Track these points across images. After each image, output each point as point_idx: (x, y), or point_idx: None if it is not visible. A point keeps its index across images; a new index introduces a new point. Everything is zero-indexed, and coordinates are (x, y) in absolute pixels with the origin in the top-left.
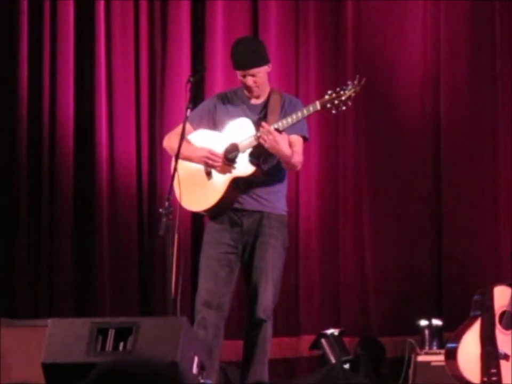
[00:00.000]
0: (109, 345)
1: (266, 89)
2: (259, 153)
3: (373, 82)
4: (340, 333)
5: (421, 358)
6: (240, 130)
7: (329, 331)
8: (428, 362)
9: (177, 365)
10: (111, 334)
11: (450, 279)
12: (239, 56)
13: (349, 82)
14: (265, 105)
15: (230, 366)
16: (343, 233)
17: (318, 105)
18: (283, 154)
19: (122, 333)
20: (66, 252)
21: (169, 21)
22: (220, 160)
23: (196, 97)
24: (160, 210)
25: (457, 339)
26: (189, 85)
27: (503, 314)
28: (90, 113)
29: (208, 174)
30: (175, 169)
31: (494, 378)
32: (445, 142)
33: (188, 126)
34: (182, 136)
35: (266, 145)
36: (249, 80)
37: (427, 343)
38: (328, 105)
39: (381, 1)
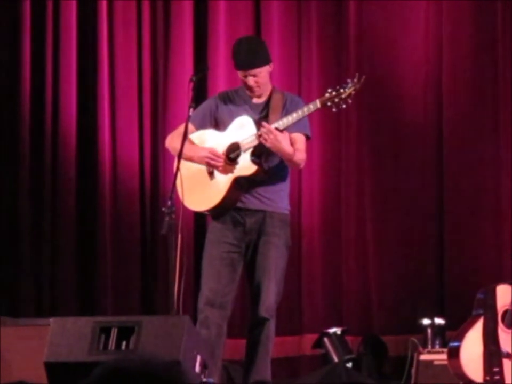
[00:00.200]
0: (112, 344)
1: (268, 89)
2: (261, 152)
3: (375, 81)
4: (343, 332)
5: (424, 357)
6: (241, 130)
7: (332, 330)
8: (431, 361)
9: (180, 363)
10: (114, 333)
11: (452, 278)
12: (240, 57)
13: (349, 80)
14: (267, 104)
15: (233, 364)
16: (346, 232)
17: (318, 103)
18: (285, 152)
19: (125, 332)
20: (69, 251)
21: (171, 20)
22: (222, 160)
23: (198, 97)
24: (163, 209)
25: (460, 338)
26: (191, 84)
27: (505, 313)
28: (93, 112)
29: (211, 174)
30: (178, 168)
31: (496, 377)
32: (447, 141)
33: (190, 125)
34: (185, 136)
35: (267, 144)
36: (251, 80)
37: (430, 342)
38: (329, 104)
39: (383, 0)
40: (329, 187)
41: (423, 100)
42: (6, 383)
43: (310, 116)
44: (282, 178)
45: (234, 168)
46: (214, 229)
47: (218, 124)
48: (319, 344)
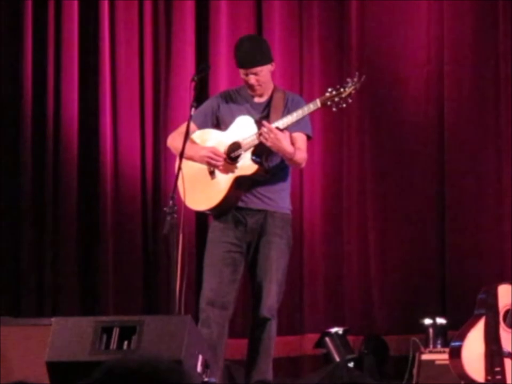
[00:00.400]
0: (113, 344)
1: (269, 88)
2: (262, 152)
3: (376, 81)
4: (344, 332)
5: (425, 357)
6: (242, 129)
7: (334, 330)
8: (432, 361)
9: (182, 363)
10: (116, 332)
11: (454, 278)
12: (242, 55)
13: (349, 80)
14: (268, 103)
15: (235, 364)
16: (347, 232)
17: (318, 102)
18: (285, 152)
19: (127, 332)
20: (70, 250)
21: (173, 20)
22: (222, 159)
23: (200, 96)
24: (165, 209)
25: (462, 338)
26: (193, 84)
27: (507, 312)
28: (94, 112)
29: (212, 173)
30: (179, 168)
31: (498, 377)
32: (449, 141)
33: (191, 124)
34: (186, 135)
35: (268, 143)
36: (252, 79)
37: (431, 342)
38: (329, 103)
39: (385, 1)
40: (331, 187)
41: (424, 99)
42: (7, 383)
43: (311, 115)
44: (283, 178)
45: (235, 167)
46: (215, 228)
47: (220, 123)
48: (320, 343)
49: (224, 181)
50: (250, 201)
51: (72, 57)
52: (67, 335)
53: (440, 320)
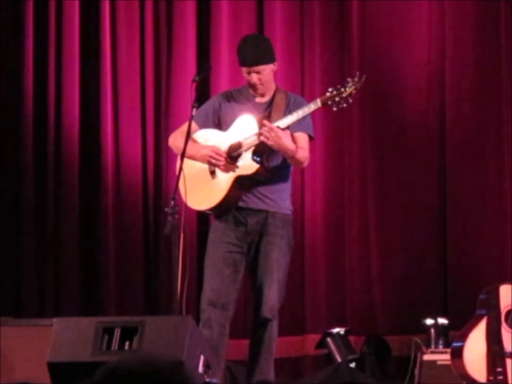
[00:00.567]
0: (115, 344)
1: (271, 88)
2: (262, 152)
3: (378, 80)
4: (346, 332)
5: (427, 357)
6: (244, 129)
7: (335, 330)
8: (434, 361)
9: (183, 363)
10: (117, 333)
11: (456, 278)
12: (245, 53)
13: (349, 80)
14: (270, 103)
15: (236, 365)
16: (349, 232)
17: (319, 102)
18: (287, 149)
19: (128, 332)
20: (72, 251)
21: (174, 20)
22: (223, 159)
23: (201, 96)
24: (166, 209)
25: (463, 338)
26: (194, 84)
27: (508, 313)
28: (96, 112)
29: (212, 173)
30: (181, 168)
31: (499, 377)
32: (450, 141)
33: (193, 124)
34: (188, 136)
35: (269, 142)
36: (254, 77)
37: (433, 342)
38: (329, 103)
39: (386, 0)
40: (332, 187)
41: (426, 99)
42: (9, 383)
43: (313, 116)
44: (284, 178)
45: (235, 167)
46: (216, 228)
47: (221, 123)
48: (322, 344)
49: (224, 180)
50: (251, 201)
51: (73, 57)
52: (68, 336)
53: (442, 321)
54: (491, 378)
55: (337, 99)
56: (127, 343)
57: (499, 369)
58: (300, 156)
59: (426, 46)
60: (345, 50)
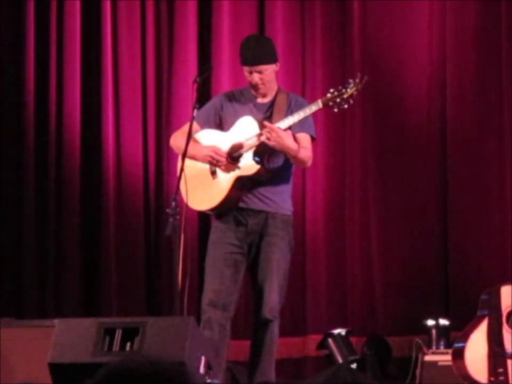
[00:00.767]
0: (116, 345)
1: (273, 88)
2: (263, 152)
3: (379, 82)
4: (347, 333)
5: (428, 358)
6: (245, 129)
7: (336, 331)
8: (435, 362)
9: (184, 364)
10: (118, 334)
11: (457, 279)
12: (247, 52)
13: (351, 81)
14: (272, 104)
15: (237, 365)
16: (350, 233)
17: (320, 103)
18: (289, 149)
19: (129, 333)
20: (73, 252)
21: (175, 20)
22: (224, 159)
23: (202, 97)
24: (167, 210)
25: (465, 339)
26: (195, 85)
27: (510, 314)
28: (97, 112)
29: (213, 173)
30: (182, 168)
31: (501, 378)
32: (452, 141)
33: (194, 125)
34: (189, 136)
35: (271, 143)
36: (256, 77)
37: (434, 343)
38: (330, 104)
39: (388, 0)
40: (333, 188)
41: (427, 100)
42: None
43: (314, 117)
44: (285, 179)
45: (236, 167)
46: (216, 229)
47: (223, 123)
48: (323, 345)
49: (225, 180)
50: (252, 201)
51: (75, 58)
52: (70, 337)
53: (443, 321)
54: (492, 379)
55: (338, 100)
56: (129, 344)
57: (500, 370)
58: (303, 155)
59: (427, 47)
60: (346, 50)
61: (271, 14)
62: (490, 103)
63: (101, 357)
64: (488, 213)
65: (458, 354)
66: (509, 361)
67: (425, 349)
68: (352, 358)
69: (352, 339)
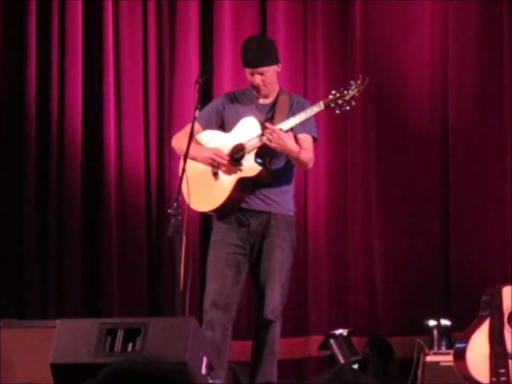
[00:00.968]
0: (118, 346)
1: (275, 89)
2: (265, 154)
3: (381, 82)
4: (349, 333)
5: (430, 358)
6: (246, 131)
7: (338, 331)
8: (437, 363)
9: (186, 365)
10: (120, 334)
11: (458, 280)
12: (249, 54)
13: (352, 82)
14: (274, 105)
15: (239, 366)
16: (352, 233)
17: (322, 105)
18: (291, 151)
19: (131, 334)
20: (74, 252)
21: (177, 21)
22: (225, 161)
23: (204, 98)
24: (169, 211)
25: (466, 339)
26: (197, 86)
27: (511, 314)
28: (98, 113)
29: (215, 174)
30: (184, 169)
31: (502, 379)
32: (453, 142)
33: (196, 125)
34: (191, 137)
35: (272, 145)
36: (257, 79)
37: (436, 343)
38: (332, 105)
39: (389, 1)
40: (335, 188)
41: (428, 101)
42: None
43: (316, 118)
44: (287, 180)
45: (238, 169)
46: (218, 230)
47: (225, 124)
48: (325, 345)
49: (227, 182)
50: (254, 202)
51: (76, 58)
52: (71, 337)
53: (445, 322)
54: (494, 379)
55: (340, 102)
56: (130, 344)
57: (502, 370)
58: (304, 156)
59: (429, 47)
60: (348, 50)
61: (273, 14)
62: (491, 103)
63: (103, 358)
64: (489, 213)
65: (460, 355)
66: (510, 362)
67: (426, 350)
68: (353, 358)
69: (354, 340)
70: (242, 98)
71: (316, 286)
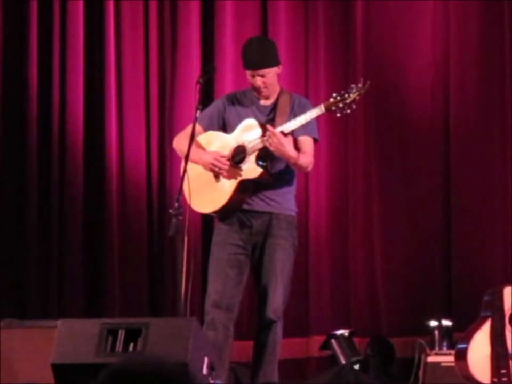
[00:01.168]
0: (119, 346)
1: (275, 90)
2: (267, 156)
3: (382, 82)
4: (350, 334)
5: (431, 359)
6: (248, 132)
7: (339, 332)
8: (438, 363)
9: (187, 365)
10: (121, 334)
11: (460, 280)
12: (250, 56)
13: (353, 86)
14: (274, 106)
15: (240, 366)
16: (353, 234)
17: (323, 108)
18: (289, 157)
19: (132, 334)
20: (76, 253)
21: (178, 21)
22: (226, 166)
23: (205, 98)
24: (170, 210)
25: (467, 340)
26: (198, 86)
27: None
28: (100, 114)
29: (217, 176)
30: (185, 170)
31: (504, 379)
32: (454, 143)
33: (197, 127)
34: (192, 138)
35: (271, 148)
36: (258, 81)
37: (437, 344)
38: (333, 108)
39: (391, 1)
40: (336, 189)
41: (430, 102)
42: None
43: (317, 117)
44: (288, 181)
45: (239, 171)
46: (220, 231)
47: (226, 125)
48: (326, 345)
49: (228, 184)
50: (256, 203)
51: (77, 58)
52: (73, 337)
53: (446, 322)
54: (495, 380)
55: (340, 105)
56: (131, 344)
57: (503, 371)
58: (302, 161)
59: (430, 48)
60: (349, 50)
61: (274, 14)
62: (493, 104)
63: (104, 358)
64: (491, 214)
65: (461, 355)
66: (511, 362)
67: (428, 350)
68: (355, 358)
69: (355, 340)
70: (243, 100)
71: (317, 286)
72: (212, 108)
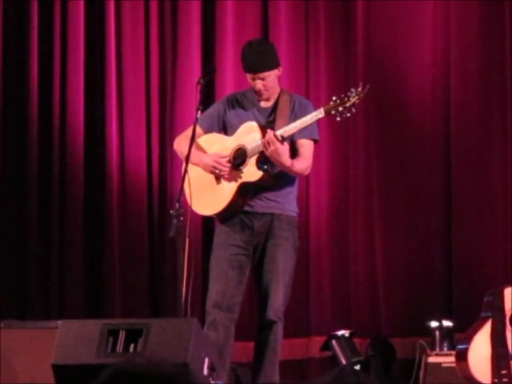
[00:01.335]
0: (120, 346)
1: (276, 92)
2: (267, 158)
3: (383, 83)
4: (351, 334)
5: (432, 359)
6: (248, 135)
7: (340, 332)
8: (439, 364)
9: (188, 366)
10: (122, 335)
11: (460, 281)
12: (249, 60)
13: (353, 89)
14: (275, 107)
15: (241, 367)
16: (354, 234)
17: (322, 111)
18: (284, 166)
19: (133, 335)
20: (76, 253)
21: (179, 22)
22: (227, 168)
23: (206, 99)
24: (171, 212)
25: (468, 340)
26: (199, 87)
27: None
28: (100, 114)
29: (218, 178)
30: (186, 171)
31: (504, 380)
32: (455, 143)
33: (197, 129)
34: (192, 139)
35: (267, 153)
36: (259, 84)
37: (438, 344)
38: (333, 112)
39: (391, 1)
40: (337, 189)
41: (430, 102)
42: None
43: (317, 120)
44: (289, 182)
45: (240, 173)
46: (221, 232)
47: (227, 127)
48: (327, 346)
49: (229, 186)
50: (257, 205)
51: (78, 58)
52: (73, 338)
53: (447, 323)
54: (496, 380)
55: (340, 109)
56: (132, 345)
57: (504, 372)
58: (297, 168)
59: (431, 49)
60: (350, 51)
61: (275, 15)
62: (493, 104)
63: (105, 358)
64: (491, 214)
65: (462, 356)
66: None
67: (428, 351)
68: (355, 359)
69: (356, 340)
70: (244, 101)
71: (318, 287)
72: (212, 110)
